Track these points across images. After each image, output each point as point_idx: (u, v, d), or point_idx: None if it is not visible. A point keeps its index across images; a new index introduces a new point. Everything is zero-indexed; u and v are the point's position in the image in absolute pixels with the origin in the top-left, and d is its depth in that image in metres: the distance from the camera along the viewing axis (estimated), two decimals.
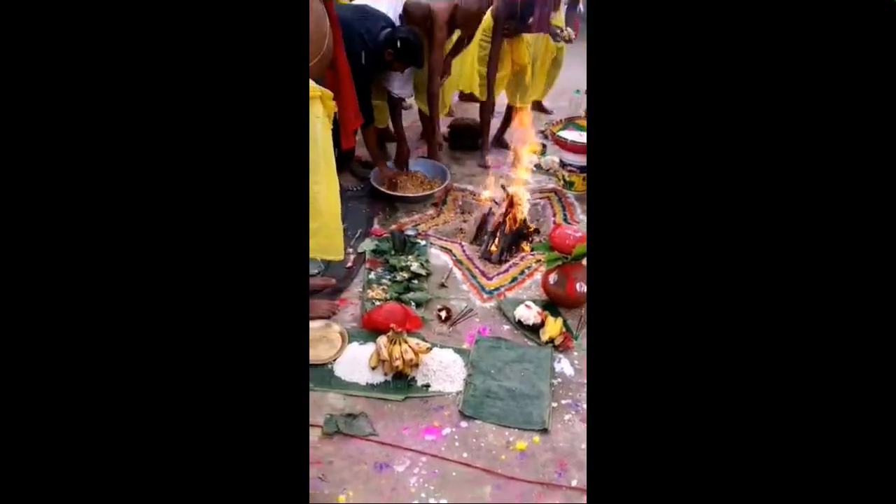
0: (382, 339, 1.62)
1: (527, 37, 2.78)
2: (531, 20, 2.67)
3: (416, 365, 1.59)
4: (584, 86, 3.50)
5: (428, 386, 1.57)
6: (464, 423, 1.46)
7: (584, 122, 2.86)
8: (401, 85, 2.58)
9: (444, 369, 1.61)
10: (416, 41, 2.31)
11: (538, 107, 3.55)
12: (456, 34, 2.73)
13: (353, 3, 2.61)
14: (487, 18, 2.73)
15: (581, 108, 3.48)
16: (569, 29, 3.05)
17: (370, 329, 1.75)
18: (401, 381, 1.58)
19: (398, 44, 2.26)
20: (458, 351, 1.69)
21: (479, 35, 2.78)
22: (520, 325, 1.80)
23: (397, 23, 2.46)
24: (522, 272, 2.10)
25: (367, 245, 2.20)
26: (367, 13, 2.36)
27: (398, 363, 1.56)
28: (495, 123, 3.14)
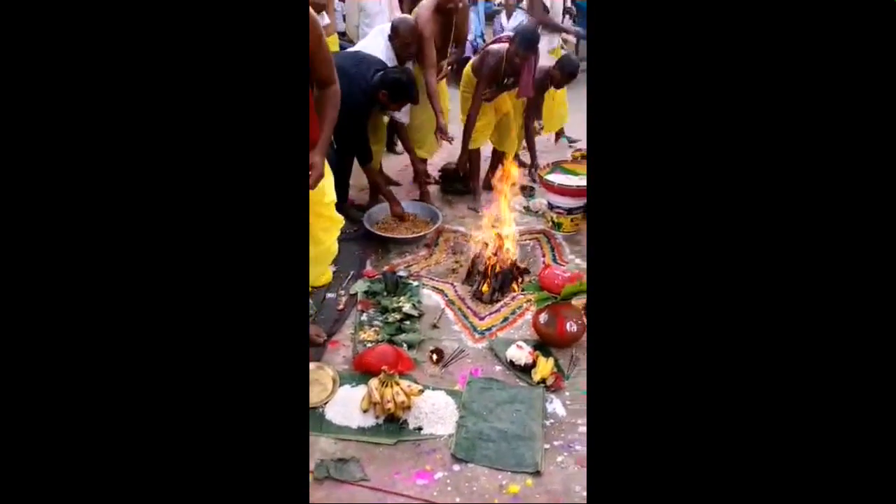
0: (374, 382, 1.62)
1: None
2: (516, 86, 2.80)
3: (408, 407, 1.58)
4: (567, 132, 3.65)
5: (420, 429, 1.56)
6: (456, 467, 1.44)
7: (570, 166, 2.96)
8: (403, 111, 2.68)
9: (435, 411, 1.60)
10: (408, 79, 2.41)
11: (517, 162, 3.68)
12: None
13: (349, 49, 2.76)
14: (468, 73, 2.87)
15: (567, 152, 3.61)
16: (539, 122, 3.26)
17: (362, 371, 1.74)
18: (392, 423, 1.57)
19: (390, 84, 2.36)
20: (451, 393, 1.69)
21: (461, 88, 2.93)
22: (511, 365, 1.80)
23: (387, 47, 2.59)
24: (514, 312, 2.13)
25: (360, 286, 2.23)
26: (362, 59, 2.48)
27: (390, 406, 1.55)
28: (483, 167, 3.24)
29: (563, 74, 2.90)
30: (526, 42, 2.57)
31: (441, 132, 2.74)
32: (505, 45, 2.68)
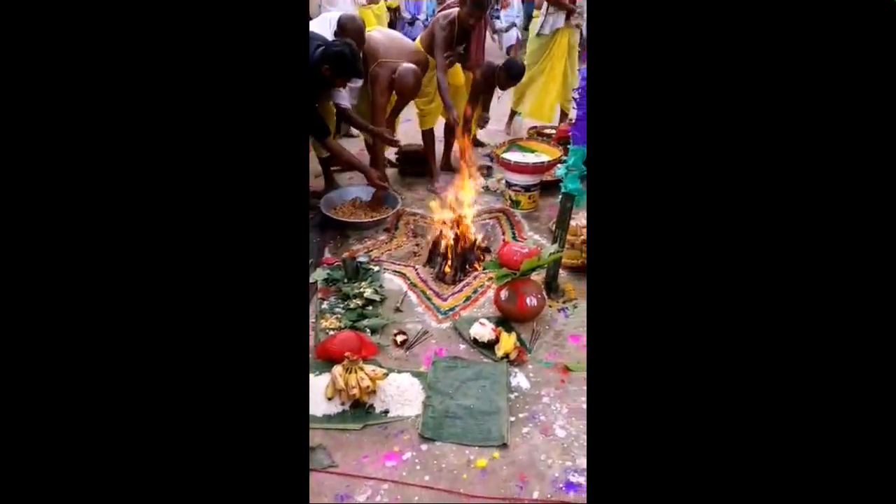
0: (338, 369, 1.61)
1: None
2: (468, 54, 2.78)
3: (374, 392, 1.58)
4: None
5: (386, 412, 1.56)
6: (424, 446, 1.45)
7: (526, 143, 2.98)
8: (345, 96, 2.61)
9: (401, 394, 1.61)
10: (352, 52, 2.31)
11: (474, 141, 3.68)
12: None
13: None
14: (417, 45, 2.82)
15: (523, 130, 3.63)
16: (486, 115, 3.30)
17: (325, 359, 1.72)
18: (359, 409, 1.56)
19: (333, 57, 2.27)
20: (416, 374, 1.70)
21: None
22: (475, 342, 1.82)
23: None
24: (475, 291, 2.14)
25: (319, 274, 2.19)
26: None
27: (355, 391, 1.55)
28: (439, 149, 3.22)
29: (507, 76, 2.92)
30: (475, 2, 2.55)
31: (382, 139, 2.71)
32: (454, 10, 2.64)
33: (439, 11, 2.89)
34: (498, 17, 5.65)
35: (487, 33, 5.27)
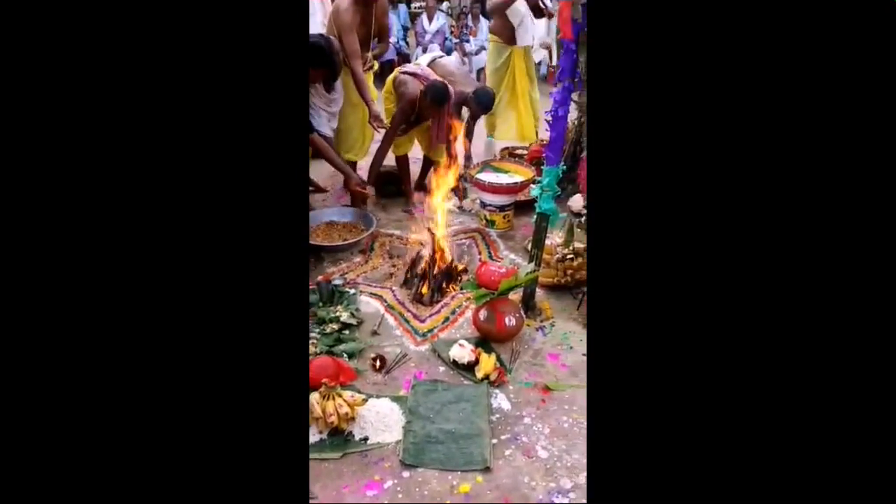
0: (315, 396, 1.56)
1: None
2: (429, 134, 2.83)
3: (353, 418, 1.54)
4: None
5: (366, 439, 1.52)
6: (406, 473, 1.42)
7: (499, 164, 3.03)
8: (325, 123, 2.60)
9: (381, 419, 1.57)
10: (328, 46, 2.29)
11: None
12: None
13: None
14: (390, 86, 2.85)
15: (495, 150, 3.69)
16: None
17: None
18: (337, 437, 1.52)
19: (310, 50, 2.24)
20: (396, 399, 1.67)
21: (384, 94, 2.91)
22: (455, 364, 1.81)
23: None
24: (454, 311, 2.13)
25: None
26: None
27: (333, 419, 1.50)
28: (415, 170, 3.23)
29: (477, 107, 2.97)
30: (435, 98, 2.62)
31: (375, 120, 2.69)
32: (417, 87, 2.65)
33: (402, 72, 2.82)
34: (468, 41, 5.79)
35: (457, 56, 5.36)
